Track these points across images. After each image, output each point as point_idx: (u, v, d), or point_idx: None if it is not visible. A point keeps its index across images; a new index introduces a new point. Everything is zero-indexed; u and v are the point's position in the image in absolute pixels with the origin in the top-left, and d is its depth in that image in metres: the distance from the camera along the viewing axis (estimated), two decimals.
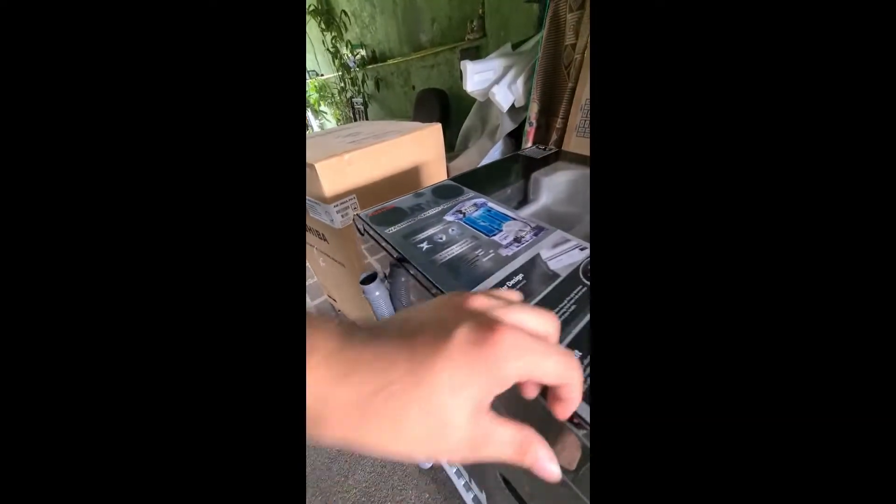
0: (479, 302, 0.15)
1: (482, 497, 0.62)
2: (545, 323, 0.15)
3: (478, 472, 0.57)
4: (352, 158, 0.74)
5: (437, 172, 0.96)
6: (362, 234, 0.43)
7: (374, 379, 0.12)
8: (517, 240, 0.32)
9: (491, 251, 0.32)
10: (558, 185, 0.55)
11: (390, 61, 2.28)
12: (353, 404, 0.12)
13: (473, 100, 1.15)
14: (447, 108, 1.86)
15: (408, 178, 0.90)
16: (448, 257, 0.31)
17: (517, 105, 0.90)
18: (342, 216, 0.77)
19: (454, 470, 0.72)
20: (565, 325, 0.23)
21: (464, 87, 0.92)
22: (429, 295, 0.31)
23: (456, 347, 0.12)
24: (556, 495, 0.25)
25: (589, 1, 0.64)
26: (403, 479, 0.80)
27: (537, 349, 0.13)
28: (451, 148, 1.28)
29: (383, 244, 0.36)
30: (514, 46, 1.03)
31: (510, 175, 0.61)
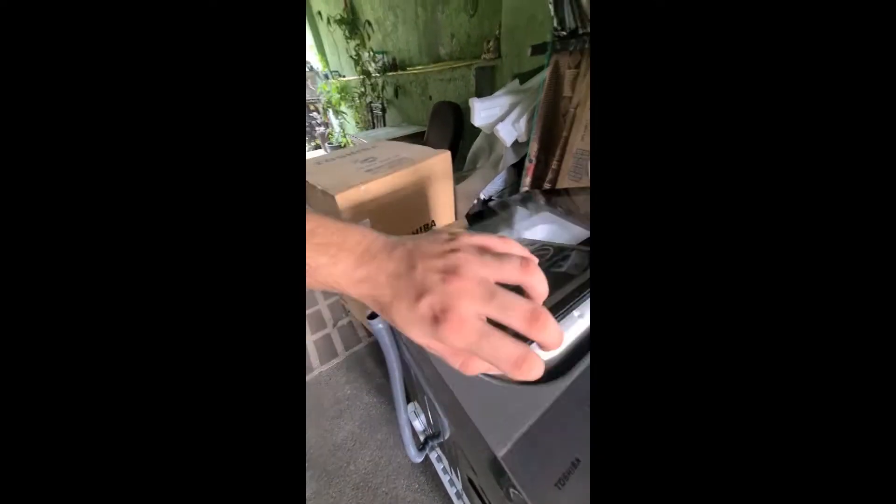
0: (459, 257, 0.17)
1: (464, 495, 0.72)
2: (509, 272, 0.17)
3: (461, 470, 0.67)
4: (368, 188, 0.84)
5: (445, 196, 1.05)
6: None
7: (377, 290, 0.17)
8: None
9: None
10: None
11: (409, 70, 2.36)
12: (360, 297, 0.17)
13: None
14: (460, 122, 1.93)
15: (418, 201, 0.99)
16: None
17: (520, 140, 0.97)
18: None
19: (441, 467, 0.82)
20: None
21: (472, 122, 0.99)
22: None
23: (418, 318, 0.16)
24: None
25: (583, 62, 0.70)
26: (397, 469, 0.92)
27: (481, 333, 0.15)
28: (462, 160, 1.35)
29: None
30: (522, 80, 1.09)
31: (505, 226, 0.69)
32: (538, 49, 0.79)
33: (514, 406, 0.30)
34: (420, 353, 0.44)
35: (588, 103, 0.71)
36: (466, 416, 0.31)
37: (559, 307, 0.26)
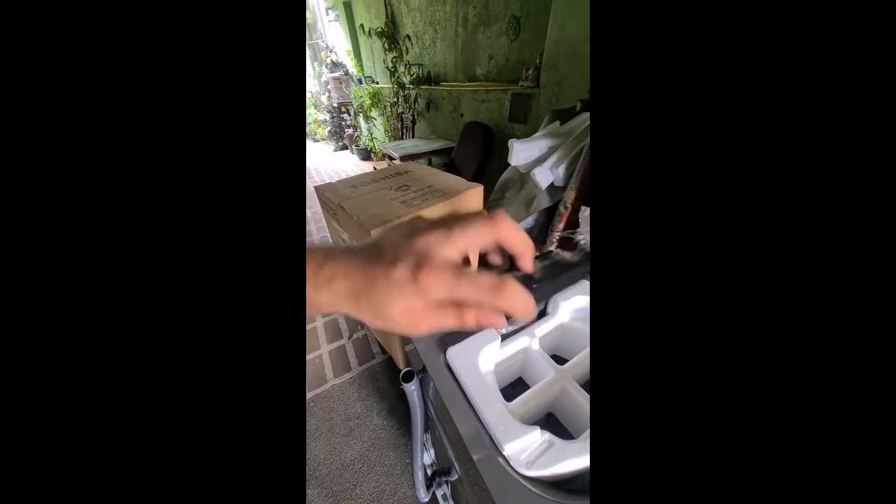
0: (424, 241, 0.17)
1: None
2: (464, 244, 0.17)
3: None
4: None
5: None
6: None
7: (345, 286, 0.17)
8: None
9: None
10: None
11: (443, 85, 2.39)
12: (332, 302, 0.17)
13: None
14: (490, 144, 1.93)
15: None
16: None
17: (556, 184, 0.97)
18: None
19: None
20: None
21: (509, 161, 1.00)
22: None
23: (396, 284, 0.16)
24: None
25: None
26: (402, 501, 0.92)
27: (458, 274, 0.16)
28: (488, 180, 1.36)
29: None
30: (563, 121, 1.08)
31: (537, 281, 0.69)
32: (587, 105, 0.78)
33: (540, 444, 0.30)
34: (448, 418, 0.45)
35: None
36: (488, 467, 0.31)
37: None
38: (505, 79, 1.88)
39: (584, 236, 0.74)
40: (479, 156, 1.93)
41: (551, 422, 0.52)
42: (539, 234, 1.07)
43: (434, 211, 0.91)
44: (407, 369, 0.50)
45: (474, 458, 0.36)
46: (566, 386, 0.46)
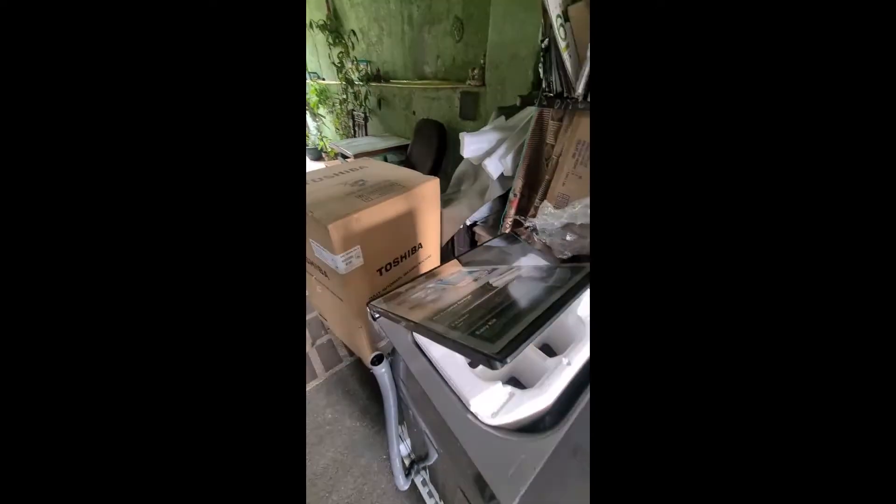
0: None
1: None
2: None
3: (447, 495, 0.70)
4: (360, 217, 0.85)
5: (432, 220, 1.09)
6: (376, 319, 0.55)
7: None
8: (476, 279, 0.45)
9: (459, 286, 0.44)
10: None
11: (394, 83, 2.38)
12: None
13: None
14: (444, 141, 1.98)
15: (406, 225, 1.01)
16: (429, 302, 0.43)
17: (505, 174, 1.04)
18: (346, 264, 0.87)
19: (427, 490, 0.84)
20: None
21: (461, 153, 1.05)
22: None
23: None
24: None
25: (566, 118, 0.78)
26: (382, 496, 0.92)
27: None
28: (445, 177, 1.41)
29: (388, 315, 0.47)
30: (507, 116, 1.17)
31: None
32: (526, 101, 0.86)
33: (517, 458, 0.35)
34: (422, 397, 0.47)
35: (570, 153, 0.79)
36: (476, 469, 0.35)
37: (554, 309, 0.30)
38: (453, 77, 1.94)
39: (533, 222, 0.81)
40: (433, 152, 1.96)
41: (510, 381, 0.57)
42: (494, 221, 1.14)
43: (392, 204, 0.92)
44: (376, 353, 0.51)
45: (445, 418, 0.39)
46: (525, 350, 0.51)
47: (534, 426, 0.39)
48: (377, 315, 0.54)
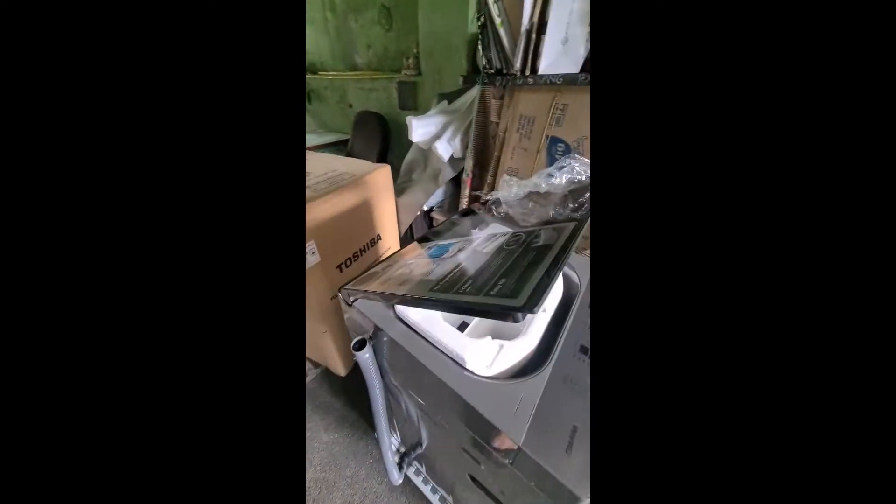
0: None
1: (449, 498, 0.75)
2: None
3: (446, 477, 0.70)
4: (310, 209, 0.78)
5: (388, 209, 1.05)
6: (350, 305, 0.51)
7: None
8: (461, 249, 0.46)
9: (449, 257, 0.44)
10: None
11: (322, 74, 2.22)
12: None
13: None
14: (387, 133, 1.93)
15: (362, 217, 0.96)
16: (418, 279, 0.42)
17: (455, 156, 1.06)
18: None
19: (421, 478, 0.83)
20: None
21: (409, 138, 1.03)
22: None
23: None
24: (524, 489, 0.36)
25: (507, 95, 0.83)
26: (375, 500, 0.87)
27: None
28: (395, 170, 1.38)
29: (368, 296, 0.45)
30: (450, 101, 1.19)
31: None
32: (468, 81, 0.89)
33: (517, 398, 0.36)
34: (412, 372, 0.46)
35: (514, 129, 0.84)
36: (482, 417, 0.36)
37: (558, 259, 0.32)
38: (387, 68, 1.90)
39: (495, 195, 0.83)
40: (377, 145, 1.89)
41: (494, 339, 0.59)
42: (451, 204, 1.16)
43: (343, 195, 0.87)
44: (358, 338, 0.48)
45: (443, 380, 0.39)
46: None
47: (524, 370, 0.42)
48: (353, 299, 0.51)
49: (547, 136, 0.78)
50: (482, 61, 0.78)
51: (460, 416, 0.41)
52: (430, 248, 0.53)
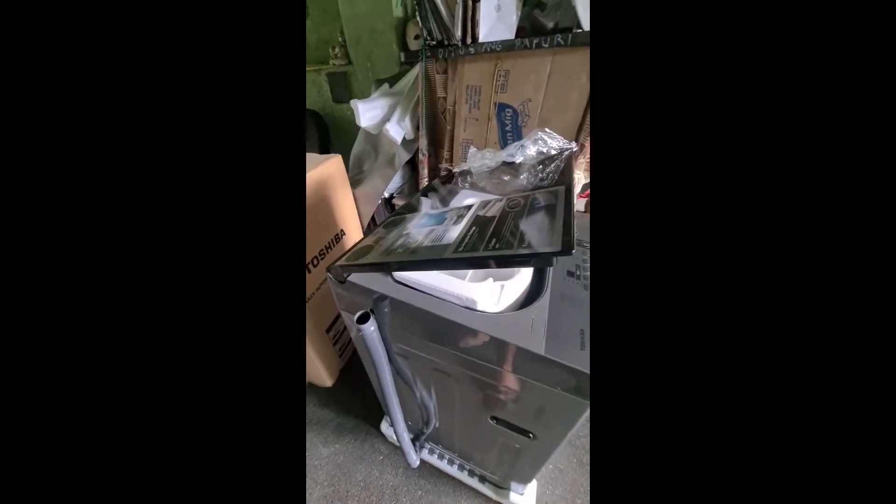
0: None
1: (468, 465, 0.77)
2: None
3: (465, 440, 0.71)
4: None
5: (346, 202, 1.00)
6: (343, 282, 0.48)
7: None
8: (460, 216, 0.47)
9: (449, 224, 0.46)
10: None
11: None
12: None
13: (349, 123, 1.22)
14: (324, 129, 1.82)
15: (321, 212, 0.90)
16: (422, 245, 0.43)
17: (407, 138, 1.06)
18: None
19: (436, 455, 0.83)
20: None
21: (357, 123, 0.99)
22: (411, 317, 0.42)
23: None
24: (547, 400, 0.40)
25: (450, 68, 0.86)
26: (394, 492, 0.85)
27: None
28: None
29: (369, 268, 0.43)
30: (391, 84, 1.17)
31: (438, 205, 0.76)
32: (408, 61, 0.88)
33: (528, 321, 0.40)
34: (423, 326, 0.46)
35: (463, 100, 0.87)
36: (504, 344, 0.38)
37: (569, 210, 0.34)
38: (313, 60, 1.77)
39: (464, 167, 0.85)
40: (316, 144, 1.77)
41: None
42: (411, 189, 1.15)
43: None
44: (360, 312, 0.46)
45: (461, 322, 0.41)
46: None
47: (527, 300, 0.45)
48: (346, 275, 0.48)
49: (495, 104, 0.82)
50: (423, 33, 0.79)
51: (479, 354, 0.43)
52: (420, 218, 0.53)
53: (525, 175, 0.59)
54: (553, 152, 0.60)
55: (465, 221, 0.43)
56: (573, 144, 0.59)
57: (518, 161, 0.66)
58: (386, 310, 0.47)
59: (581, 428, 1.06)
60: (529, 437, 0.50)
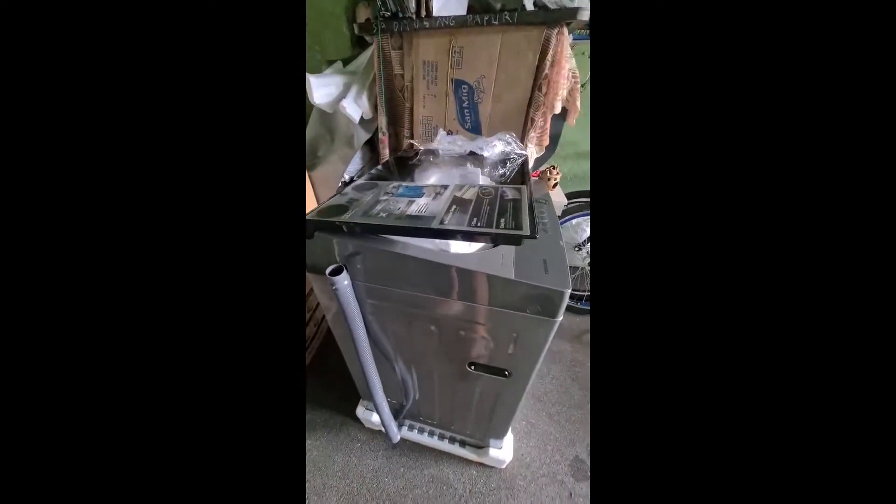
0: None
1: (447, 433, 0.78)
2: None
3: (443, 407, 0.72)
4: None
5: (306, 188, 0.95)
6: (311, 237, 0.46)
7: None
8: (438, 193, 0.49)
9: (428, 198, 0.47)
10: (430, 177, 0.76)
11: None
12: None
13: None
14: None
15: None
16: (406, 213, 0.44)
17: (365, 117, 1.04)
18: None
19: (415, 431, 0.83)
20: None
21: (311, 101, 0.95)
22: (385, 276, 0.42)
23: None
24: (521, 327, 0.43)
25: (405, 43, 0.86)
26: (374, 476, 0.83)
27: None
28: None
29: (345, 227, 0.43)
30: (345, 63, 1.14)
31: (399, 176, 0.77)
32: (364, 28, 0.87)
33: (498, 257, 0.43)
34: (400, 272, 0.46)
35: (420, 77, 0.88)
36: (477, 276, 0.40)
37: (531, 209, 0.40)
38: None
39: (430, 146, 0.86)
40: None
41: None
42: (371, 167, 1.13)
43: None
44: (334, 265, 0.45)
45: (439, 261, 0.42)
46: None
47: (496, 241, 0.49)
48: (314, 231, 0.46)
49: (452, 80, 0.85)
50: (378, 3, 0.78)
51: (455, 293, 0.45)
52: (396, 189, 0.53)
53: (488, 169, 0.68)
54: (514, 155, 0.72)
55: (444, 198, 0.45)
56: (526, 152, 0.74)
57: (485, 155, 0.72)
58: (359, 266, 0.47)
59: (546, 383, 1.15)
60: (505, 375, 0.54)
